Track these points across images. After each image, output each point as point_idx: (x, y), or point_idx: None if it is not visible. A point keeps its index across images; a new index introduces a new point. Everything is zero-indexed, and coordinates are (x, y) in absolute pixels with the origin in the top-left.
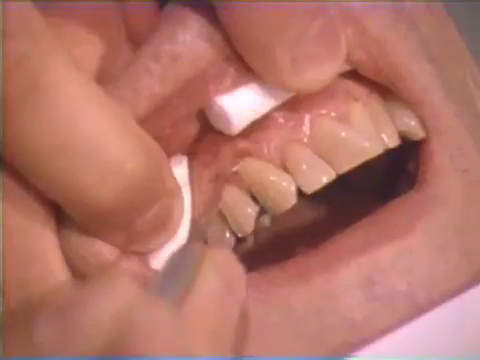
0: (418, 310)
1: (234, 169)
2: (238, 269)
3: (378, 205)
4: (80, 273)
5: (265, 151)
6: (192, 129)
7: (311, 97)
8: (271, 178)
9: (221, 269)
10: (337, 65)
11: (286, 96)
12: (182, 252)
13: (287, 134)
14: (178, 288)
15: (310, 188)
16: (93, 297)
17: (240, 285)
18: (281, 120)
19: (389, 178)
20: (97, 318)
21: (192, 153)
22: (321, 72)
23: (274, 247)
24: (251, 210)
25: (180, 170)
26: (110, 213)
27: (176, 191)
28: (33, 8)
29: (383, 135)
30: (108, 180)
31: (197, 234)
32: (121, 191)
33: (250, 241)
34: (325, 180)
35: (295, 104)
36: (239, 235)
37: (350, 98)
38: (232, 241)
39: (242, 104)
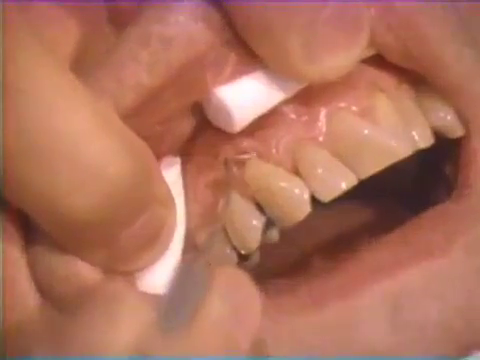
0: (454, 344)
1: (236, 173)
2: (249, 291)
3: (408, 217)
4: (54, 297)
5: (273, 152)
6: (186, 126)
7: (327, 88)
8: (280, 184)
9: (228, 293)
10: (358, 50)
11: (298, 87)
12: (185, 273)
13: (299, 132)
14: (184, 316)
15: (327, 196)
16: (102, 326)
17: (252, 310)
18: (292, 115)
19: (422, 184)
20: (114, 350)
21: (186, 154)
22: (339, 59)
23: (284, 266)
24: (256, 222)
25: (172, 174)
26: (90, 225)
27: (167, 199)
28: None
29: (414, 133)
30: (87, 187)
31: (194, 251)
32: (102, 199)
33: (255, 259)
34: (344, 186)
35: (308, 96)
36: (242, 252)
37: (374, 89)
38: (234, 258)
39: (245, 96)
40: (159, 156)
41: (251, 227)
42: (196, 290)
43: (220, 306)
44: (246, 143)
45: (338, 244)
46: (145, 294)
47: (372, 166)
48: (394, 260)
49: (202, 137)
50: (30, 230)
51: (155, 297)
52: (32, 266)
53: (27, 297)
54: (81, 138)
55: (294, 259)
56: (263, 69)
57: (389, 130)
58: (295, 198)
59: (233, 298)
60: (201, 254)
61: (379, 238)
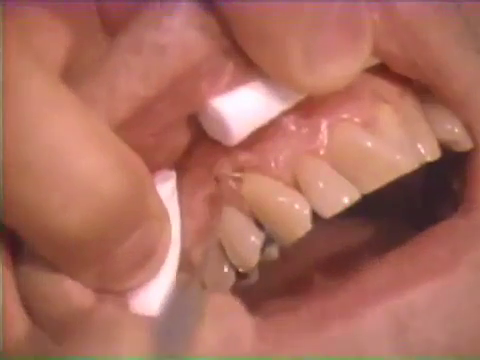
0: None
1: (234, 187)
2: (244, 321)
3: (413, 233)
4: (43, 319)
5: (272, 165)
6: (182, 138)
7: (329, 99)
8: (280, 199)
9: (221, 322)
10: (361, 58)
11: (298, 97)
12: (179, 298)
13: (299, 144)
14: (180, 344)
15: (328, 211)
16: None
17: (245, 340)
18: (292, 127)
19: (428, 199)
20: None
21: (182, 168)
22: (341, 67)
23: (283, 284)
24: (255, 239)
25: (167, 189)
26: (82, 242)
27: (162, 215)
28: None
29: (419, 145)
30: (79, 202)
31: (191, 270)
32: (95, 215)
33: (254, 277)
34: (347, 202)
35: (309, 107)
36: (240, 270)
37: (378, 100)
38: (231, 277)
39: (243, 107)
40: (154, 169)
41: (249, 244)
42: (191, 316)
43: (212, 336)
44: (244, 156)
45: (340, 262)
46: (140, 318)
47: (375, 180)
48: (398, 279)
49: (198, 150)
50: (17, 248)
51: (150, 321)
52: (19, 286)
53: (16, 320)
54: (72, 152)
55: (294, 277)
56: (262, 79)
57: (393, 143)
58: (295, 214)
59: (226, 327)
60: (196, 275)
61: (382, 256)
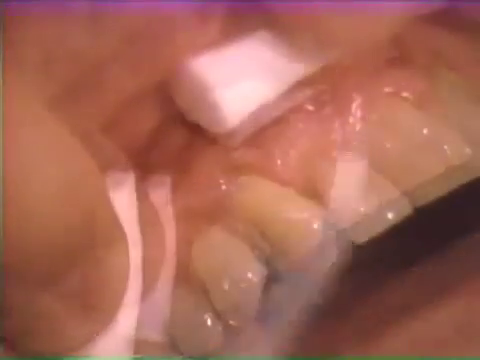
0: None
1: (226, 196)
2: None
3: (438, 247)
4: None
5: (278, 163)
6: (147, 120)
7: (342, 92)
8: (287, 208)
9: None
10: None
11: (316, 64)
12: None
13: (311, 141)
14: None
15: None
16: None
17: None
18: (300, 125)
19: (455, 209)
20: None
21: (150, 167)
22: (373, 20)
23: None
24: (252, 274)
25: (123, 196)
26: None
27: (115, 239)
28: None
29: (445, 147)
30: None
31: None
32: (33, 244)
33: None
34: (363, 211)
35: (321, 101)
36: (231, 322)
37: (397, 96)
38: (218, 332)
39: (238, 77)
40: (106, 167)
41: (245, 282)
42: None
43: None
44: (240, 153)
45: (355, 281)
46: None
47: (395, 187)
48: (419, 298)
49: (173, 141)
50: None
51: None
52: None
53: None
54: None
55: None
56: (267, 35)
57: (416, 144)
58: (304, 225)
59: None
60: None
61: (401, 273)
